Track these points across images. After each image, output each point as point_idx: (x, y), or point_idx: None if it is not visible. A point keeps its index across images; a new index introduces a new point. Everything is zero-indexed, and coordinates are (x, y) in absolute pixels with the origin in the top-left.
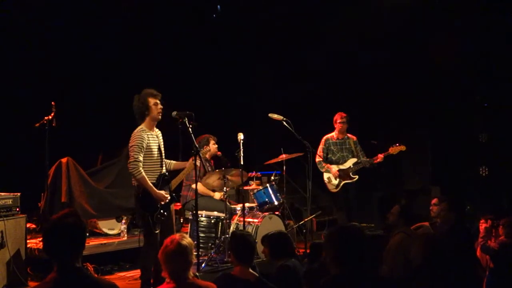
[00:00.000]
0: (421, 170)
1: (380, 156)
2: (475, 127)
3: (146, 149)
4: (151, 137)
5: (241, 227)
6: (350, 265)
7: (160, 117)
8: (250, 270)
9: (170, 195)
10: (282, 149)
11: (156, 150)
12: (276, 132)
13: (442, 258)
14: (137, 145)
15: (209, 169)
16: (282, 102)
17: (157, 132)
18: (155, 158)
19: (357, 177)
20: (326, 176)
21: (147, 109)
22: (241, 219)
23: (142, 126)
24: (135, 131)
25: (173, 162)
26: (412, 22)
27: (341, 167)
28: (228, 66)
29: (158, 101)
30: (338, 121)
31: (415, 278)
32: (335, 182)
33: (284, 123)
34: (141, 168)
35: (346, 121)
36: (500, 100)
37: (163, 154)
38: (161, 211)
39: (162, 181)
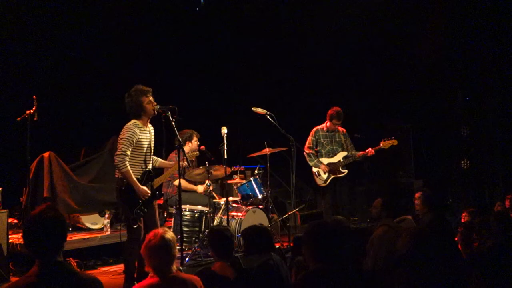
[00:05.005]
0: (403, 164)
1: (371, 150)
2: (457, 121)
3: (135, 144)
4: (143, 133)
5: (224, 221)
6: (328, 260)
7: (155, 113)
8: (229, 267)
9: (152, 192)
10: (265, 142)
11: (146, 146)
12: (260, 126)
13: (425, 250)
14: (127, 138)
15: (191, 164)
16: (266, 96)
17: (150, 128)
18: (143, 154)
19: (346, 171)
20: (315, 169)
21: (142, 109)
22: (225, 213)
23: (136, 121)
24: (128, 124)
25: (160, 160)
26: (396, 16)
27: (331, 161)
28: (211, 60)
29: (151, 98)
30: (333, 121)
31: (396, 267)
32: (324, 176)
33: (268, 117)
34: (127, 162)
35: (341, 121)
36: (481, 94)
37: (152, 151)
38: (142, 207)
39: (147, 177)
